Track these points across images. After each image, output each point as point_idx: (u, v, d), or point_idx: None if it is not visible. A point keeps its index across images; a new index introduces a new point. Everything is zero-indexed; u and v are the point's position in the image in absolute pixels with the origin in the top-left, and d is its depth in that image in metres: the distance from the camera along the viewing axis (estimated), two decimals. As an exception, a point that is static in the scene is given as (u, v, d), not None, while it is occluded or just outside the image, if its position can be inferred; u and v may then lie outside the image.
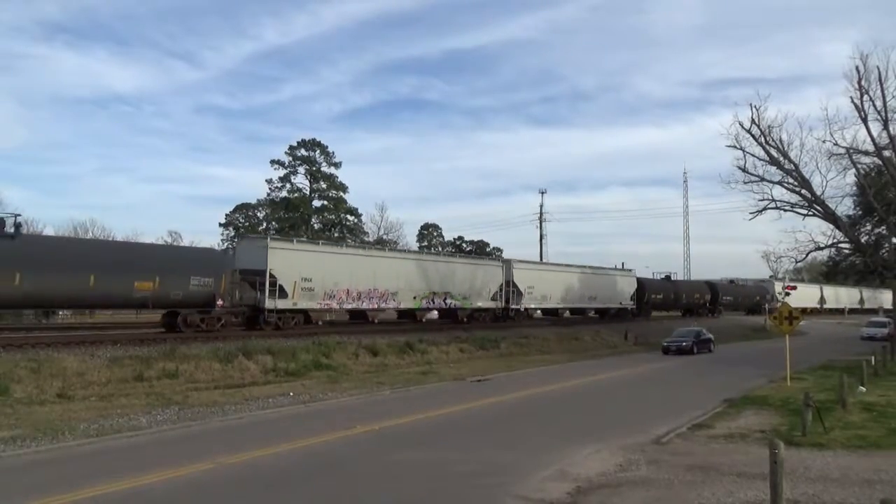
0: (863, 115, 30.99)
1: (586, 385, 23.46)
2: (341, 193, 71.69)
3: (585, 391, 22.06)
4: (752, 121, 33.14)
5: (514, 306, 43.47)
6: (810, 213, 34.32)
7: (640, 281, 57.25)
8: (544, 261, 50.57)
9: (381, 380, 23.48)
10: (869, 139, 31.69)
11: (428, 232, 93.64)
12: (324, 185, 71.23)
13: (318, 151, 70.75)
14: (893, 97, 30.55)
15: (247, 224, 74.04)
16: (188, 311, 26.43)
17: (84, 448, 12.93)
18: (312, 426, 15.07)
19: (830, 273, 65.20)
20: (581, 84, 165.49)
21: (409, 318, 38.59)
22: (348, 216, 72.90)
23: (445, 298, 38.69)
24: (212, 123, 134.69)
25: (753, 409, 17.28)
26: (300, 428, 14.85)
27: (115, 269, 23.86)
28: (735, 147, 34.18)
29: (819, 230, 36.49)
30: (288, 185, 70.89)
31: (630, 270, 58.10)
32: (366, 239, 73.85)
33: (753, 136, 33.45)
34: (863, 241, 39.48)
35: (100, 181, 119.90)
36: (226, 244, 70.44)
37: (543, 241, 75.11)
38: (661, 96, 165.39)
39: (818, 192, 33.29)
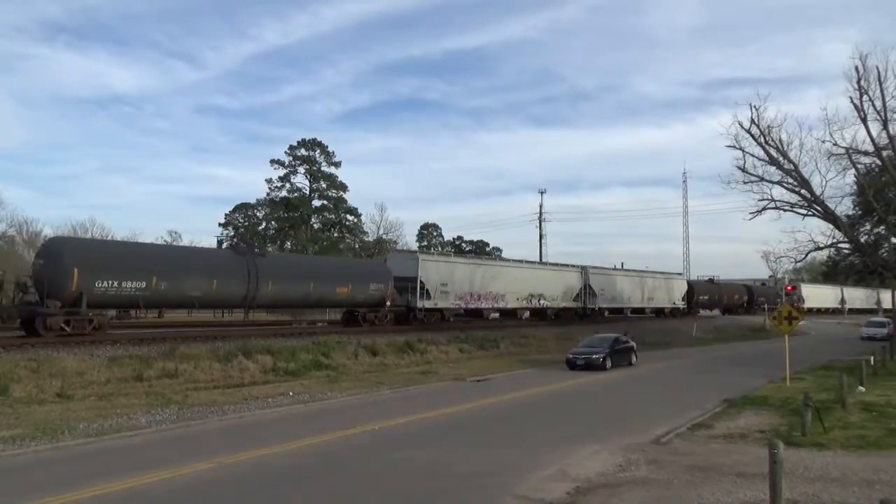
0: (862, 116, 31.00)
1: (586, 385, 23.45)
2: (341, 193, 71.69)
3: (585, 391, 22.05)
4: (752, 121, 33.15)
5: (590, 306, 50.83)
6: (810, 213, 34.31)
7: (689, 283, 65.11)
8: (616, 267, 59.36)
9: (380, 380, 23.47)
10: (868, 139, 31.71)
11: (428, 232, 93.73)
12: (324, 185, 71.22)
13: (318, 151, 70.76)
14: (893, 97, 30.57)
15: (246, 224, 74.01)
16: (365, 310, 34.37)
17: (84, 448, 12.93)
18: (312, 426, 15.07)
19: (830, 273, 65.36)
20: (581, 84, 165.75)
21: (511, 316, 46.42)
22: (348, 216, 72.90)
23: (539, 299, 46.10)
24: (212, 123, 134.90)
25: (753, 409, 17.27)
26: (300, 428, 14.86)
27: (325, 279, 32.37)
28: (735, 147, 34.19)
29: (819, 230, 36.49)
30: (288, 185, 70.94)
31: (681, 274, 66.48)
32: (365, 239, 73.84)
33: (753, 136, 33.45)
34: (862, 241, 39.46)
35: (100, 181, 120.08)
36: (224, 244, 70.48)
37: (543, 241, 75.24)
38: (661, 96, 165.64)
39: (818, 192, 33.29)
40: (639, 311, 58.28)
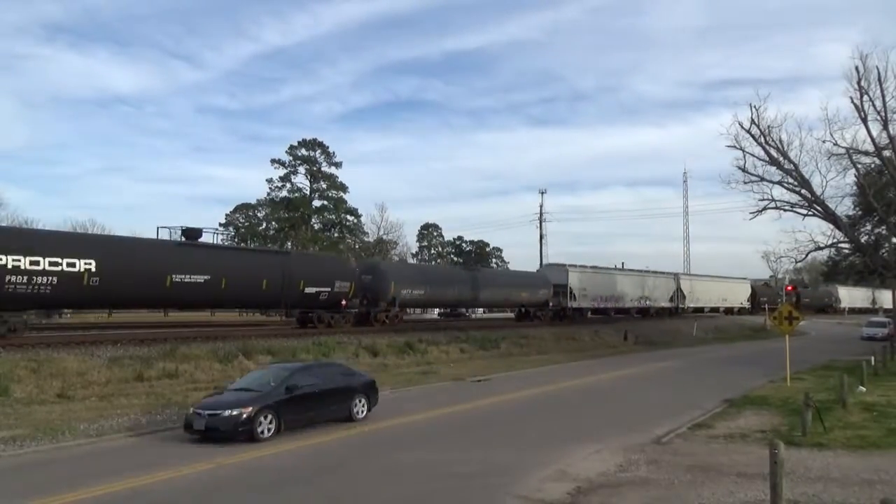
0: (862, 116, 30.92)
1: (586, 385, 23.45)
2: (341, 193, 71.65)
3: (585, 391, 22.05)
4: (752, 121, 33.07)
5: (680, 305, 61.94)
6: (810, 213, 34.24)
7: (752, 286, 75.85)
8: (697, 273, 69.98)
9: (381, 380, 23.35)
10: (869, 139, 31.64)
11: (428, 232, 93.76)
12: (324, 185, 71.18)
13: (318, 151, 70.71)
14: (893, 97, 30.44)
15: (247, 224, 73.94)
16: (534, 309, 46.61)
17: (84, 448, 12.94)
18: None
19: (830, 273, 65.32)
20: (581, 84, 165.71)
21: (625, 313, 55.75)
22: (348, 216, 72.86)
23: (646, 301, 57.23)
24: (213, 123, 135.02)
25: (753, 409, 17.27)
26: (300, 428, 14.83)
27: (514, 286, 46.08)
28: (735, 147, 34.09)
29: (819, 230, 36.33)
30: (288, 185, 70.89)
31: (745, 279, 76.73)
32: (366, 239, 73.81)
33: (753, 136, 33.36)
34: (863, 241, 39.39)
35: (100, 181, 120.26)
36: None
37: (543, 241, 75.24)
38: (660, 97, 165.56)
39: (818, 192, 33.20)
40: (714, 309, 68.31)
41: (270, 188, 71.15)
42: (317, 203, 71.87)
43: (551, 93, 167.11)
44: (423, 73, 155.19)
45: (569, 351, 36.70)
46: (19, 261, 20.72)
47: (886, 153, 31.94)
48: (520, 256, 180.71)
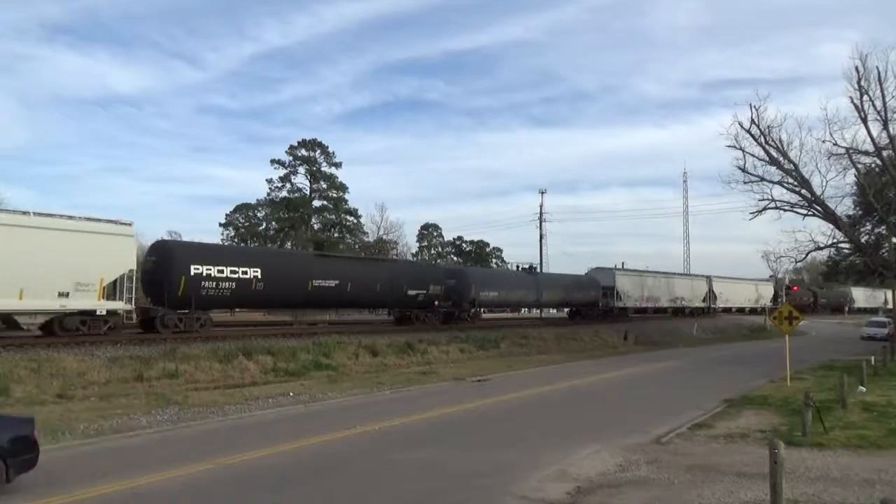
0: (862, 116, 30.97)
1: (586, 385, 23.44)
2: (341, 193, 71.60)
3: (585, 391, 22.04)
4: (752, 121, 33.17)
5: (712, 306, 67.01)
6: (810, 213, 34.32)
7: (774, 287, 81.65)
8: (727, 276, 74.98)
9: (381, 380, 23.44)
10: (869, 139, 31.69)
11: (428, 232, 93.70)
12: (324, 185, 71.11)
13: (318, 151, 70.63)
14: (893, 97, 30.55)
15: (247, 224, 73.89)
16: (585, 308, 51.95)
17: (84, 448, 12.92)
18: (312, 426, 15.06)
19: (830, 273, 65.39)
20: (581, 85, 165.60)
21: (662, 312, 60.93)
22: (348, 216, 72.80)
23: (681, 301, 62.29)
24: (213, 124, 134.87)
25: (753, 408, 17.27)
26: (300, 428, 14.85)
27: (569, 288, 51.05)
28: (735, 147, 34.23)
29: (819, 230, 36.49)
30: (288, 185, 70.79)
31: (768, 280, 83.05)
32: (366, 239, 73.80)
33: (753, 136, 33.46)
34: (863, 241, 39.43)
35: (100, 181, 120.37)
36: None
37: (543, 240, 75.27)
38: (661, 97, 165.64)
39: (818, 192, 33.29)
40: (741, 309, 74.43)
41: (270, 188, 71.15)
42: (317, 203, 71.82)
43: (551, 93, 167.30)
44: (423, 74, 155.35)
45: (569, 351, 36.69)
46: (210, 270, 26.27)
47: (886, 153, 31.99)
48: (520, 256, 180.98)
